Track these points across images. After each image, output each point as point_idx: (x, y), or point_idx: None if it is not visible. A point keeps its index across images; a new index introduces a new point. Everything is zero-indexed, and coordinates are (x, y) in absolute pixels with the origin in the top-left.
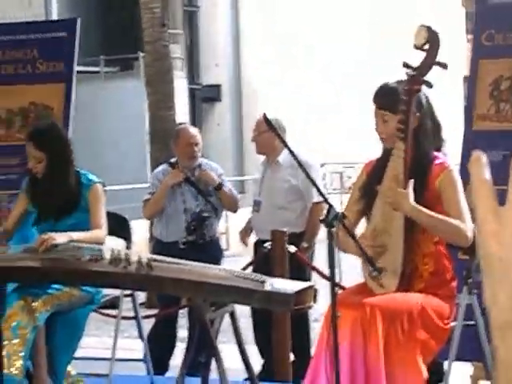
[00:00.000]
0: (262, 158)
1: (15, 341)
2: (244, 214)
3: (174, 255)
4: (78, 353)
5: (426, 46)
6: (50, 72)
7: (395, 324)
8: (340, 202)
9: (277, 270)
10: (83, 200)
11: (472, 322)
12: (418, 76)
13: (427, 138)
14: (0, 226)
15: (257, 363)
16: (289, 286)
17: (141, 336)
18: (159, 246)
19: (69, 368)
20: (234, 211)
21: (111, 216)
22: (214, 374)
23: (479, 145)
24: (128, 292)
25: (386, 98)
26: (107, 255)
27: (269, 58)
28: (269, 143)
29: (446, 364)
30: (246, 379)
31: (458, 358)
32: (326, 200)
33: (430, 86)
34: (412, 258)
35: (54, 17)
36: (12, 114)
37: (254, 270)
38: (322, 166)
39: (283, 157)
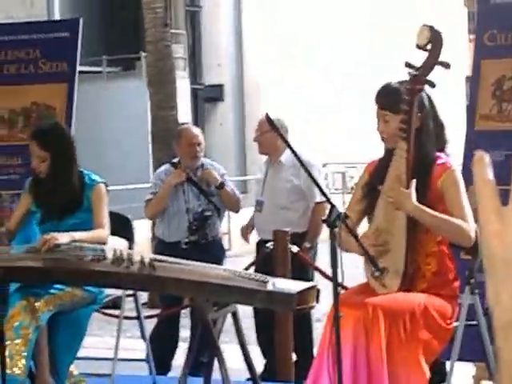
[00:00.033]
0: (265, 157)
1: (17, 341)
2: (246, 214)
3: (177, 255)
4: (81, 353)
5: (429, 46)
6: (52, 72)
7: (397, 324)
8: (342, 202)
9: (279, 270)
10: (86, 200)
11: (474, 322)
12: (420, 76)
13: (429, 138)
14: (2, 226)
15: (259, 363)
16: (291, 286)
17: (143, 336)
18: (161, 246)
19: (71, 368)
20: (236, 211)
21: (113, 216)
22: (216, 374)
23: (481, 145)
24: (130, 292)
25: (388, 98)
26: (109, 255)
27: (269, 57)
28: (271, 143)
29: (448, 364)
30: (248, 379)
31: (461, 358)
32: (328, 200)
33: (432, 85)
34: (414, 257)
35: (56, 17)
36: (14, 113)
37: (256, 270)
38: (324, 166)
39: (285, 157)
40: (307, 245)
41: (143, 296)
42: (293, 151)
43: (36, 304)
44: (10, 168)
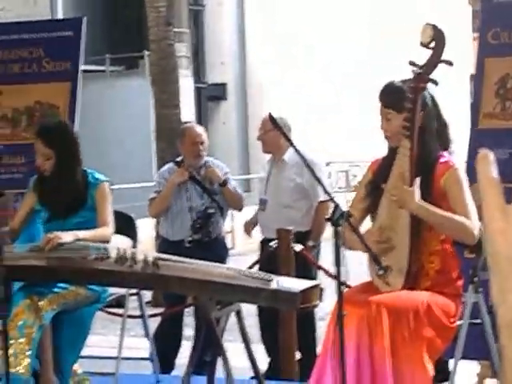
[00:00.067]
0: (268, 156)
1: (21, 340)
2: (249, 212)
3: (180, 254)
4: (84, 351)
5: (432, 44)
6: (55, 71)
7: (401, 322)
8: (345, 201)
9: (283, 268)
10: (90, 199)
11: (478, 321)
12: (423, 74)
13: (432, 137)
14: (6, 225)
15: (263, 362)
16: (295, 284)
17: (147, 335)
18: (165, 245)
19: (75, 367)
20: (239, 209)
21: (117, 215)
22: (219, 373)
23: (485, 143)
24: (134, 291)
25: (391, 97)
26: (113, 254)
27: (269, 57)
28: (274, 142)
29: (452, 362)
30: (251, 378)
31: (464, 357)
32: (331, 199)
33: (435, 83)
34: (418, 256)
35: (60, 16)
36: (18, 113)
37: (260, 269)
38: (328, 164)
39: (289, 155)
40: (311, 243)
41: (147, 295)
42: (296, 150)
43: (40, 303)
44: (14, 167)
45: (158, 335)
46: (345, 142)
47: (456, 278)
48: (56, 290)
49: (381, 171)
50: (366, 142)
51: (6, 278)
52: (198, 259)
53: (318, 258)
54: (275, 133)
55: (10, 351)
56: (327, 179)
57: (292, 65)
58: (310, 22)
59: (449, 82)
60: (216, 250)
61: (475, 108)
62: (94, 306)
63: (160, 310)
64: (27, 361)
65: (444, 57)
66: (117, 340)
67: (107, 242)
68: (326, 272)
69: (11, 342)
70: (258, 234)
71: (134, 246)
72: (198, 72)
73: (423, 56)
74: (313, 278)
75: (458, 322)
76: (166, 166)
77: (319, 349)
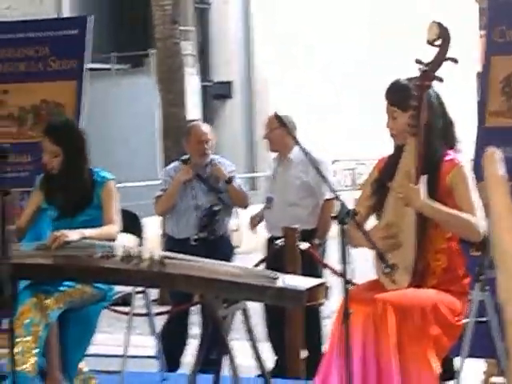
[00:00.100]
0: (274, 154)
1: (28, 338)
2: (255, 211)
3: (186, 252)
4: (91, 350)
5: (438, 42)
6: (61, 69)
7: (407, 320)
8: (352, 199)
9: (289, 266)
10: (96, 197)
11: (485, 319)
12: (429, 72)
13: (437, 135)
14: (13, 223)
15: (269, 360)
16: (301, 282)
17: (153, 333)
18: (171, 243)
19: (81, 365)
20: (244, 207)
21: (122, 213)
22: (226, 371)
23: (492, 141)
24: (140, 289)
25: (396, 95)
26: (119, 252)
27: (269, 57)
28: (280, 140)
29: (458, 360)
30: (258, 376)
31: (471, 355)
32: (337, 197)
33: (440, 81)
34: (424, 254)
35: (66, 14)
36: (24, 111)
37: (266, 267)
38: (334, 162)
39: (295, 154)
40: (316, 241)
41: (153, 293)
42: (302, 148)
43: (46, 301)
44: (20, 165)
45: (165, 333)
46: (345, 142)
47: (462, 276)
48: (62, 288)
49: (387, 169)
50: (365, 142)
51: (12, 277)
52: (204, 257)
53: (323, 256)
54: (281, 131)
55: (17, 349)
56: (333, 177)
57: (292, 65)
58: (310, 22)
59: (455, 79)
60: (222, 248)
61: (482, 106)
62: (100, 304)
63: (166, 308)
64: (34, 359)
65: (450, 54)
66: (123, 338)
67: (113, 239)
68: (332, 270)
69: (17, 340)
70: (263, 232)
71: (140, 245)
72: (204, 70)
73: (423, 56)
74: (319, 276)
75: (465, 320)
76: (172, 165)
77: (325, 347)
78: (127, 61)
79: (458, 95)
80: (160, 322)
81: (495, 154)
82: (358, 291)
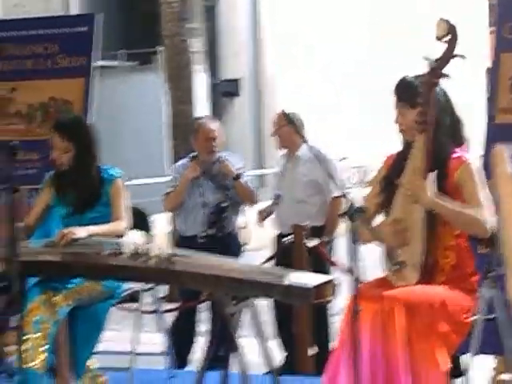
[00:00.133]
0: (282, 151)
1: (37, 335)
2: (263, 207)
3: (194, 249)
4: (99, 347)
5: (447, 38)
6: (70, 66)
7: (415, 317)
8: (360, 196)
9: (297, 263)
10: (105, 195)
11: (493, 316)
12: (436, 69)
13: (444, 133)
14: (21, 221)
15: (277, 357)
16: (309, 279)
17: (161, 330)
18: (179, 240)
19: (88, 362)
20: (252, 204)
21: (131, 211)
22: (234, 368)
23: (501, 138)
24: (148, 286)
25: (404, 92)
26: (127, 249)
27: (269, 57)
28: (288, 138)
29: (467, 358)
30: (266, 373)
31: (480, 352)
32: (345, 194)
33: (448, 78)
34: (433, 251)
35: (74, 11)
36: (32, 108)
37: (275, 264)
38: (343, 159)
39: (302, 151)
40: (325, 239)
41: (161, 290)
42: (309, 145)
43: (54, 298)
44: (28, 163)
45: (173, 330)
46: (345, 142)
47: (471, 273)
48: (71, 285)
49: (395, 166)
50: (366, 142)
51: (20, 274)
52: (212, 254)
53: (331, 253)
54: (289, 128)
55: (26, 346)
56: (341, 174)
57: (292, 65)
58: (310, 22)
59: (464, 76)
60: (230, 246)
61: (491, 103)
62: (108, 301)
63: (175, 305)
64: (43, 356)
65: (459, 51)
66: (131, 335)
67: (121, 236)
68: (340, 267)
69: (26, 337)
70: (272, 229)
71: (148, 242)
72: (212, 67)
73: (423, 55)
74: (326, 273)
75: (473, 318)
76: (181, 162)
77: (333, 344)
78: (135, 58)
79: (468, 92)
80: (168, 319)
81: (504, 152)
82: (366, 288)
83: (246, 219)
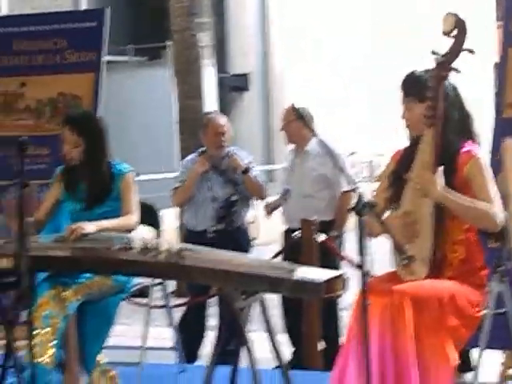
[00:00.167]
0: (291, 146)
1: (46, 330)
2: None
3: (203, 244)
4: (109, 341)
5: (454, 33)
6: (79, 62)
7: (425, 311)
8: (369, 191)
9: (306, 258)
10: (115, 189)
11: (502, 310)
12: (445, 62)
13: (453, 127)
14: (31, 216)
15: (287, 352)
16: (318, 274)
17: (171, 324)
18: (188, 235)
19: (98, 357)
20: (261, 198)
21: (141, 205)
22: (244, 363)
23: (509, 133)
24: (158, 281)
25: (412, 86)
26: (137, 244)
27: (277, 51)
28: (297, 132)
29: (476, 352)
30: (275, 368)
31: (489, 346)
32: (355, 188)
33: (457, 72)
34: (442, 245)
35: (82, 6)
36: (41, 104)
37: (284, 259)
38: (352, 154)
39: (311, 145)
40: (334, 233)
41: (170, 285)
42: (319, 140)
43: (64, 293)
44: (38, 158)
45: (182, 325)
46: (353, 136)
47: (480, 267)
48: (80, 280)
49: (404, 161)
50: (374, 136)
51: (30, 269)
52: (222, 249)
53: (341, 247)
54: (298, 123)
55: (35, 341)
56: (350, 169)
57: (300, 58)
58: (319, 15)
59: (472, 71)
60: (239, 240)
61: (499, 97)
62: (118, 296)
63: (183, 300)
64: (52, 351)
65: (467, 45)
66: (141, 330)
67: (132, 230)
68: (349, 262)
69: (36, 332)
70: (280, 224)
71: (158, 237)
72: (221, 62)
73: (428, 50)
74: (336, 267)
75: (482, 312)
76: (190, 157)
77: (342, 339)
78: (144, 53)
79: (476, 87)
80: (177, 313)
81: None
82: (375, 283)
83: (255, 214)
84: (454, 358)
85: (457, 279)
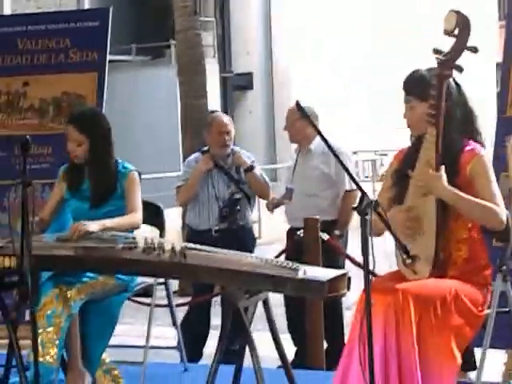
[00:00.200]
0: (295, 145)
1: (50, 329)
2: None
3: (207, 243)
4: (112, 341)
5: (456, 31)
6: (83, 61)
7: (428, 310)
8: (372, 190)
9: (309, 257)
10: (120, 188)
11: (506, 310)
12: (448, 61)
13: (456, 126)
14: (36, 215)
15: (290, 351)
16: (322, 273)
17: (174, 324)
18: (192, 234)
19: (103, 356)
20: (266, 197)
21: (144, 204)
22: (247, 362)
23: None
24: (161, 280)
25: (414, 85)
26: (141, 243)
27: (278, 51)
28: (301, 131)
29: (479, 351)
30: (279, 367)
31: (492, 346)
32: (359, 188)
33: (460, 70)
34: (445, 244)
35: (85, 6)
36: (45, 103)
37: (287, 258)
38: (355, 153)
39: (315, 144)
40: (337, 232)
41: (174, 284)
42: (323, 139)
43: (68, 293)
44: (41, 157)
45: (185, 324)
46: (353, 136)
47: (484, 266)
48: (84, 279)
49: (406, 160)
50: (374, 136)
51: (34, 268)
52: (225, 248)
53: (345, 247)
54: (302, 122)
55: (39, 340)
56: (354, 168)
57: (300, 58)
58: (319, 15)
59: (476, 69)
60: (243, 240)
61: (503, 96)
62: (122, 295)
63: (187, 299)
64: (55, 350)
65: (470, 44)
66: (144, 329)
67: (136, 228)
68: (353, 261)
69: (39, 331)
70: (283, 223)
71: (162, 236)
72: (224, 61)
73: (428, 50)
74: (340, 267)
75: (486, 311)
76: (193, 156)
77: (346, 338)
78: (148, 52)
79: (479, 86)
80: (180, 313)
81: None
82: (378, 281)
83: (259, 214)
84: (458, 357)
85: (460, 278)
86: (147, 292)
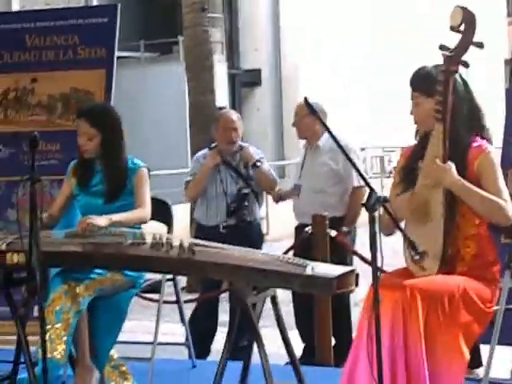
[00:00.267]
0: (303, 142)
1: (58, 325)
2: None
3: (215, 239)
4: (120, 337)
5: (462, 27)
6: (91, 58)
7: (436, 306)
8: (380, 187)
9: (318, 254)
10: (130, 184)
11: None
12: (454, 57)
13: (462, 122)
14: (44, 211)
15: (298, 347)
16: (330, 270)
17: (182, 320)
18: (200, 230)
19: (111, 352)
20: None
21: (153, 201)
22: (255, 358)
23: None
24: (169, 276)
25: (420, 81)
26: (149, 240)
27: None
28: (309, 128)
29: (486, 348)
30: (287, 363)
31: (499, 343)
32: (367, 184)
33: (466, 66)
34: (453, 240)
35: (94, 2)
36: (53, 99)
37: (295, 254)
38: (363, 150)
39: (323, 141)
40: (345, 229)
41: (182, 280)
42: (332, 135)
43: (76, 289)
44: (50, 153)
45: (193, 321)
46: (353, 136)
47: (492, 262)
48: (93, 275)
49: (414, 156)
50: (374, 136)
51: (42, 264)
52: (233, 245)
53: (353, 243)
54: (310, 119)
55: (47, 336)
56: (362, 164)
57: (300, 58)
58: (319, 15)
59: (484, 66)
60: (251, 236)
61: (510, 93)
62: (130, 291)
63: (194, 295)
64: (63, 346)
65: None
66: (152, 325)
67: (144, 223)
68: (361, 258)
69: (48, 327)
70: (291, 220)
71: (170, 232)
72: (232, 58)
73: (428, 50)
74: (348, 263)
75: (494, 308)
76: (202, 152)
77: (354, 334)
78: (156, 49)
79: (487, 82)
80: (188, 309)
81: None
82: (386, 278)
83: (267, 209)
84: (466, 354)
85: (469, 274)
86: (155, 288)
